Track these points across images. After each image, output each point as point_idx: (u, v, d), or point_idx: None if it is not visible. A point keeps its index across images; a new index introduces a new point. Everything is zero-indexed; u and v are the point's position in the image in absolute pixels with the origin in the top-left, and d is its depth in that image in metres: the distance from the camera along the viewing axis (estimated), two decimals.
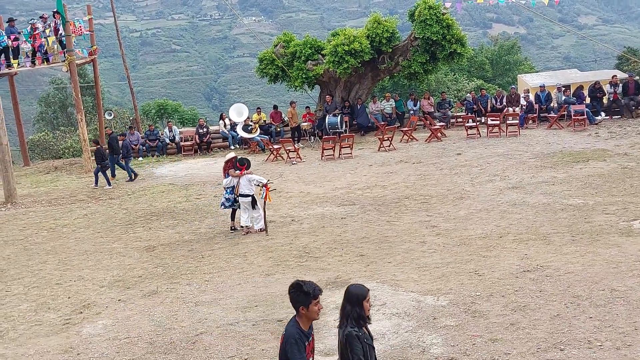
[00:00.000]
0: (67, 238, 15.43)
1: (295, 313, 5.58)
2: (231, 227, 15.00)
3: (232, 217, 15.07)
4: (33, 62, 24.89)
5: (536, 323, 8.66)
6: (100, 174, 21.42)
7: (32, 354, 9.21)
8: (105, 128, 27.50)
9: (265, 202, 14.44)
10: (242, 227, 14.67)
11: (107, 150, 22.21)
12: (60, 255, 14.08)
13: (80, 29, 25.46)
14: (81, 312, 10.69)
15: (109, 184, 21.15)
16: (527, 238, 12.33)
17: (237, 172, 14.62)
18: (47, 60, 24.91)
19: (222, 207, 15.09)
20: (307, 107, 27.40)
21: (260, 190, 14.55)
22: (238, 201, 14.62)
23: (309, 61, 26.84)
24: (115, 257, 13.61)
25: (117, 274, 12.48)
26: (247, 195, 14.39)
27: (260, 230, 14.47)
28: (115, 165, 22.26)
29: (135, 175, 22.01)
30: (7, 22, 25.16)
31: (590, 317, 8.68)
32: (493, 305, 9.37)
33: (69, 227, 16.45)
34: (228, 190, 14.80)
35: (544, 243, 11.96)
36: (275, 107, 28.28)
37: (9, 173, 19.83)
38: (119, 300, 11.10)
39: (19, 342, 9.68)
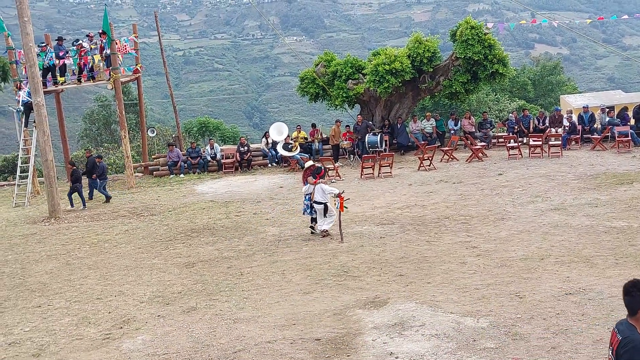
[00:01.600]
0: (108, 253, 15.62)
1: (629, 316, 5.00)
2: (311, 232, 15.84)
3: (313, 222, 15.94)
4: (79, 80, 25.40)
5: (578, 347, 8.50)
6: (76, 194, 21.72)
7: None
8: (147, 144, 27.86)
9: (340, 211, 15.19)
10: (320, 231, 15.50)
11: (86, 172, 22.37)
12: (102, 270, 14.25)
13: (126, 48, 25.96)
14: (121, 327, 10.78)
15: (84, 205, 21.48)
16: (570, 260, 12.13)
17: (313, 180, 15.64)
18: (93, 78, 25.40)
19: (304, 213, 16.03)
20: (347, 126, 27.45)
21: (335, 200, 15.40)
22: (314, 207, 15.57)
23: (350, 80, 26.93)
24: (156, 273, 13.73)
25: (156, 290, 12.58)
26: (320, 203, 15.35)
27: (322, 232, 15.37)
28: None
29: (109, 198, 22.12)
30: (55, 41, 25.77)
31: None
32: (534, 328, 9.22)
33: (110, 242, 16.66)
34: (306, 197, 15.74)
35: (587, 266, 11.75)
36: (313, 125, 28.37)
37: (53, 188, 20.18)
38: (159, 315, 11.18)
39: (60, 356, 9.79)
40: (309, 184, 15.67)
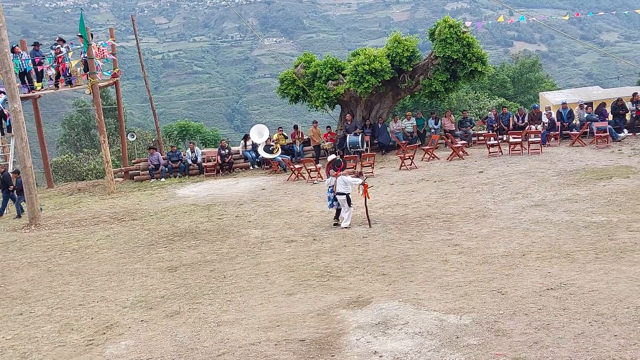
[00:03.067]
0: (90, 259, 15.53)
1: None
2: (334, 224, 16.27)
3: (336, 216, 16.42)
4: (56, 85, 25.24)
5: (560, 342, 8.56)
6: (11, 202, 21.83)
7: None
8: (127, 149, 27.73)
9: (365, 199, 15.87)
10: (343, 227, 15.90)
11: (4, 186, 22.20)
12: (84, 276, 14.16)
13: (103, 52, 25.81)
14: (104, 333, 10.72)
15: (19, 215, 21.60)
16: (550, 256, 12.22)
17: (334, 172, 16.29)
18: (70, 83, 25.25)
19: (330, 207, 16.59)
20: (328, 126, 27.49)
21: (359, 189, 16.09)
22: (337, 200, 16.15)
23: (330, 81, 26.97)
24: (138, 277, 13.67)
25: (139, 295, 12.52)
26: (342, 194, 15.93)
27: (347, 228, 15.76)
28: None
29: (22, 212, 21.74)
30: (32, 46, 25.59)
31: (615, 335, 8.56)
32: (516, 323, 9.28)
33: (92, 248, 16.57)
34: (329, 190, 16.38)
35: (568, 261, 11.85)
36: (295, 127, 28.40)
37: (32, 195, 20.03)
38: (142, 320, 11.13)
39: None
40: (331, 177, 16.34)
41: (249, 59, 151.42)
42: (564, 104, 26.28)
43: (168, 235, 17.02)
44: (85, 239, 17.52)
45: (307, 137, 27.51)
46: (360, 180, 16.21)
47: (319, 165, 23.73)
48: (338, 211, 16.39)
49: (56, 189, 27.38)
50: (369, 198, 16.02)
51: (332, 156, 17.18)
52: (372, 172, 22.49)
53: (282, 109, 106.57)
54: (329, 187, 16.38)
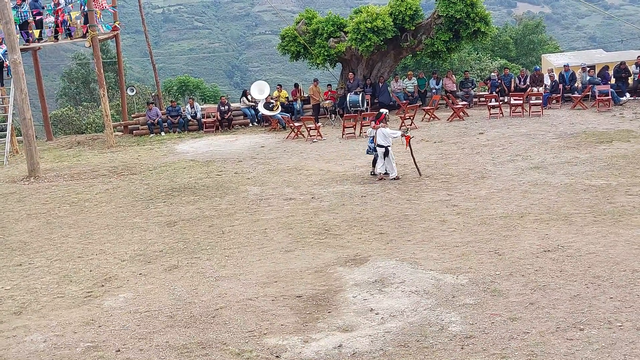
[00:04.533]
0: (89, 212, 15.56)
1: None
2: (371, 172, 16.81)
3: (373, 164, 16.79)
4: (56, 37, 25.00)
5: (556, 303, 8.63)
6: None
7: (54, 325, 9.33)
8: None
9: (410, 149, 16.36)
10: (377, 174, 16.45)
11: None
12: (83, 229, 14.21)
13: (103, 5, 25.50)
14: (102, 285, 10.80)
15: None
16: (549, 218, 12.26)
17: (374, 124, 16.68)
18: (70, 35, 25.00)
19: (367, 152, 17.11)
20: (328, 84, 27.31)
21: (401, 140, 16.64)
22: (376, 150, 16.44)
23: (331, 38, 26.71)
24: (137, 231, 13.72)
25: (138, 248, 12.59)
26: (382, 146, 16.13)
27: (395, 179, 16.15)
28: None
29: None
30: None
31: (611, 298, 8.63)
32: (513, 284, 9.35)
33: (90, 201, 16.59)
34: (370, 140, 16.73)
35: (566, 223, 11.89)
36: (296, 85, 28.21)
37: (32, 147, 19.98)
38: (140, 274, 11.20)
39: (41, 314, 9.81)
40: (371, 128, 16.74)
41: (249, 15, 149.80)
42: (566, 66, 26.08)
43: (167, 190, 17.03)
44: (84, 192, 17.53)
45: (307, 95, 27.35)
46: (399, 133, 16.47)
47: (318, 124, 23.63)
48: (374, 160, 16.75)
49: (55, 142, 27.32)
50: (411, 148, 16.41)
51: (383, 110, 17.35)
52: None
53: (282, 66, 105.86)
54: (370, 137, 16.74)
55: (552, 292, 8.99)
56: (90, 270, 11.58)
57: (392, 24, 25.54)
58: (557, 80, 25.11)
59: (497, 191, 14.43)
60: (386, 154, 16.19)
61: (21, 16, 24.33)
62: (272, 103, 25.78)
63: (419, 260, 10.62)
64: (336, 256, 11.22)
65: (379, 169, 16.41)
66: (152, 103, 27.50)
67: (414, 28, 26.16)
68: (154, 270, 11.30)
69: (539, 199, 13.56)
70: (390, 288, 9.60)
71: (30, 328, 9.31)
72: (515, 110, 23.37)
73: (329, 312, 9.03)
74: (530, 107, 23.31)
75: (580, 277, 9.39)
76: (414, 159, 16.49)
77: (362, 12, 26.38)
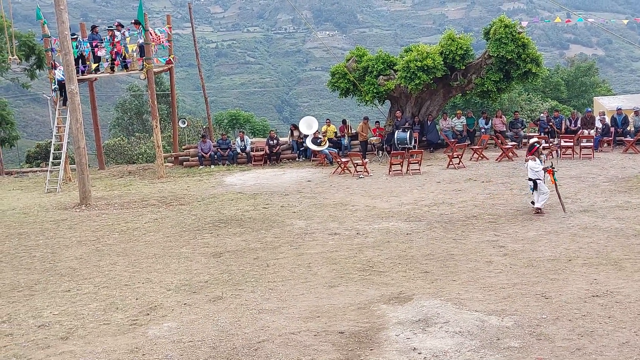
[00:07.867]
0: (137, 241, 15.80)
1: None
2: (532, 202, 16.41)
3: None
4: (112, 68, 25.66)
5: (603, 349, 8.44)
6: None
7: (99, 352, 9.45)
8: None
9: (555, 184, 16.10)
10: (533, 208, 16.22)
11: None
12: (130, 257, 14.42)
13: (159, 38, 26.14)
14: (148, 314, 10.91)
15: None
16: (598, 263, 12.04)
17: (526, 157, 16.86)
18: (126, 67, 25.65)
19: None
20: (377, 121, 27.41)
21: (545, 176, 16.17)
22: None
23: (381, 76, 26.88)
24: (183, 261, 13.86)
25: (184, 278, 12.71)
26: (530, 180, 16.11)
27: (537, 210, 15.98)
28: None
29: None
30: (90, 30, 26.09)
31: None
32: (559, 329, 9.18)
33: (139, 230, 16.85)
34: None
35: (615, 269, 11.65)
36: (344, 121, 28.38)
37: (84, 175, 20.43)
38: (185, 303, 11.30)
39: (87, 340, 9.94)
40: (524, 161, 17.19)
41: (301, 52, 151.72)
42: (619, 109, 25.76)
43: (214, 221, 17.21)
44: (133, 221, 17.82)
45: (355, 131, 27.49)
46: (540, 167, 16.05)
47: (365, 160, 23.70)
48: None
49: (107, 170, 27.89)
50: (553, 183, 16.07)
51: (534, 139, 17.21)
52: (418, 169, 22.40)
53: (331, 102, 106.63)
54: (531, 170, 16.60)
55: (599, 338, 8.80)
56: (137, 299, 11.72)
57: (442, 62, 25.62)
58: (609, 123, 24.80)
59: (545, 233, 14.24)
60: (535, 186, 15.95)
61: (80, 49, 25.08)
62: (320, 138, 25.97)
63: (464, 301, 10.51)
64: (380, 293, 11.16)
65: (536, 204, 16.13)
66: (206, 135, 27.98)
67: (464, 67, 26.20)
68: (198, 301, 11.39)
69: (588, 242, 13.34)
70: (433, 328, 9.51)
71: (76, 354, 9.44)
72: (566, 152, 23.11)
73: (371, 349, 8.98)
74: (580, 150, 23.03)
75: (630, 323, 9.18)
76: (558, 194, 16.09)
77: (412, 50, 26.54)
